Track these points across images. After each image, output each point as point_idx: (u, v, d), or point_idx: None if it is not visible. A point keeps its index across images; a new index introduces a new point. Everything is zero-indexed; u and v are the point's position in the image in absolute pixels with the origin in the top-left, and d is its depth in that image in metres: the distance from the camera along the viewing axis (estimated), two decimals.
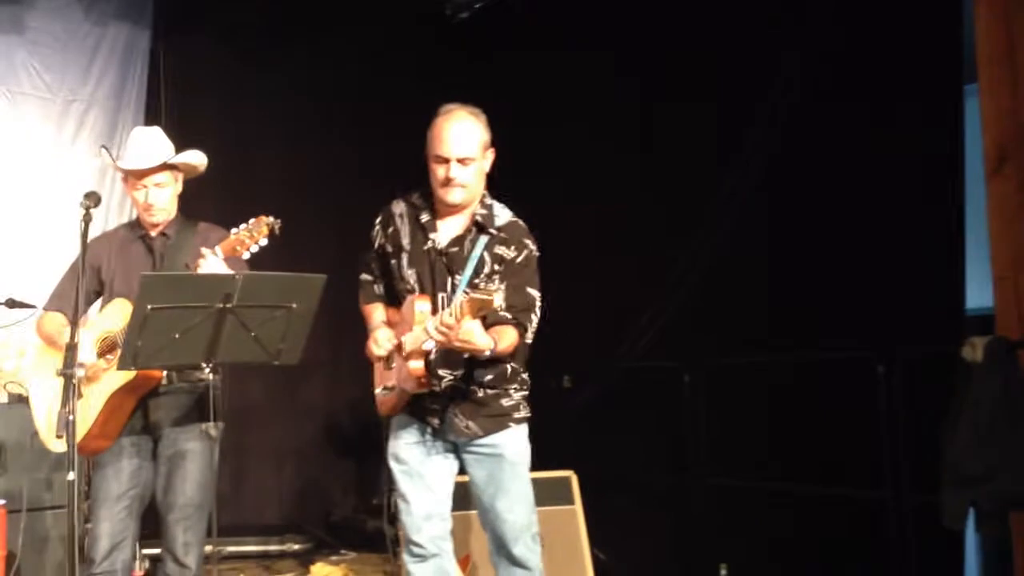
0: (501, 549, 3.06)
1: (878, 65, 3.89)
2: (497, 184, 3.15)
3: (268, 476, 5.69)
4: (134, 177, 3.44)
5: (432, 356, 2.95)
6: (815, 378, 4.09)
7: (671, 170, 4.64)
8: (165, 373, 3.28)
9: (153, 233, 3.47)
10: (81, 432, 3.19)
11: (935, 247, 3.66)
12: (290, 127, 5.78)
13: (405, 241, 3.10)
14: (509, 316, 2.91)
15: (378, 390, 3.14)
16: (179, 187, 3.50)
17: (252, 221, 3.19)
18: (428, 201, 3.09)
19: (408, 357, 2.93)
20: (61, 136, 5.53)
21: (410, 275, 3.08)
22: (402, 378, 2.99)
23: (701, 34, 4.59)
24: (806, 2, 4.15)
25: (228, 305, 2.92)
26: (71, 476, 2.70)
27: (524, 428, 3.10)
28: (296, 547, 5.11)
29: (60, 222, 5.32)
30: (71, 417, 2.76)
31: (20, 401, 4.39)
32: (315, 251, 4.62)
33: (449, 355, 2.95)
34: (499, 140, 3.08)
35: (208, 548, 3.33)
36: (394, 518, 4.64)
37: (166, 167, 3.41)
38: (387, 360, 3.09)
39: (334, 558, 4.87)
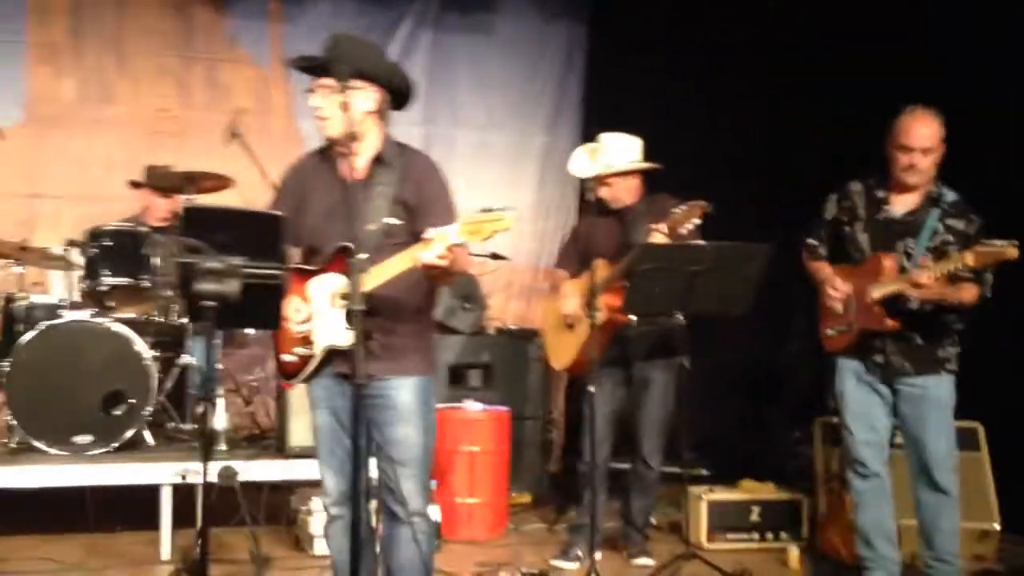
0: (923, 475, 3.70)
1: None
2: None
3: None
4: None
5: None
6: None
7: None
8: (634, 317, 4.25)
9: (618, 206, 4.39)
10: (571, 356, 4.32)
11: None
12: (705, 116, 6.19)
13: (860, 211, 3.81)
14: (971, 276, 3.53)
15: (829, 331, 3.84)
16: (631, 181, 4.32)
17: (688, 204, 3.91)
18: (884, 182, 3.77)
19: (875, 302, 3.63)
20: (516, 121, 6.76)
21: (863, 239, 3.78)
22: (863, 319, 3.69)
23: None
24: None
25: (699, 268, 3.81)
26: (592, 388, 3.78)
27: (951, 379, 3.72)
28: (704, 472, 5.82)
29: (521, 195, 6.56)
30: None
31: (502, 334, 5.68)
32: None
33: (897, 304, 3.62)
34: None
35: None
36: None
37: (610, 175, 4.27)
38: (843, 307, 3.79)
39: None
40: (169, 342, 4.79)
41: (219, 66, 6.26)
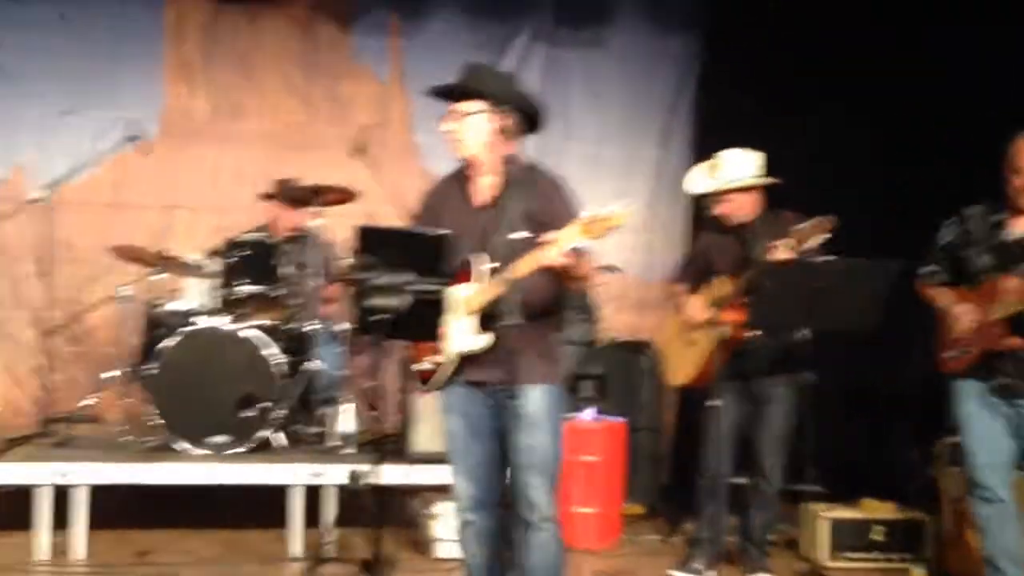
0: None
1: None
2: None
3: None
4: None
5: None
6: None
7: None
8: (756, 333, 4.25)
9: (737, 222, 4.41)
10: (692, 372, 4.35)
11: None
12: (822, 131, 5.98)
13: (978, 235, 3.78)
14: None
15: (949, 353, 3.82)
16: (750, 197, 4.33)
17: (814, 220, 3.93)
18: (1002, 205, 3.74)
19: (998, 322, 3.62)
20: (628, 134, 6.81)
21: (981, 262, 3.74)
22: (984, 340, 3.67)
23: None
24: None
25: (824, 284, 3.80)
26: (717, 402, 3.81)
27: None
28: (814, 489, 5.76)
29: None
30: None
31: (614, 345, 5.73)
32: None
33: (1020, 324, 3.59)
34: None
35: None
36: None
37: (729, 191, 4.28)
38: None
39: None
40: (298, 348, 4.99)
41: (342, 81, 6.48)
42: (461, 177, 3.19)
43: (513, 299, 2.83)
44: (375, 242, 2.67)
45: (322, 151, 6.24)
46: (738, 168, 4.36)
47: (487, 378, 3.05)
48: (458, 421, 3.15)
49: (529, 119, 3.13)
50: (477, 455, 3.14)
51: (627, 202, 2.88)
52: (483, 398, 3.10)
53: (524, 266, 2.87)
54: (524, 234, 2.98)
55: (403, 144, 6.49)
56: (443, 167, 6.02)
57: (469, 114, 3.07)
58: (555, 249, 2.82)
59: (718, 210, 4.38)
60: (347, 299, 2.83)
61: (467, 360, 3.05)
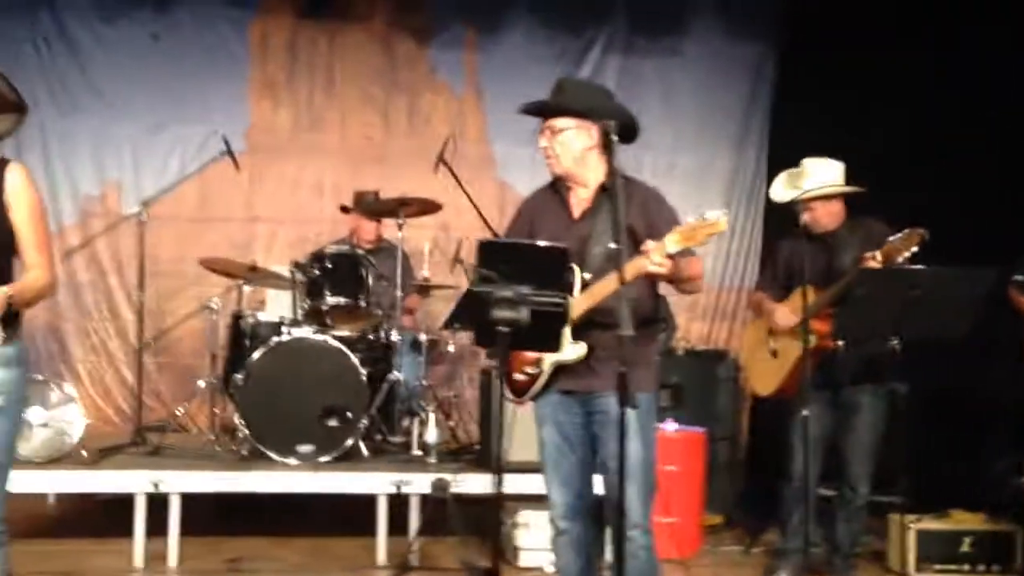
0: None
1: None
2: None
3: None
4: None
5: None
6: None
7: None
8: (842, 342, 4.21)
9: (821, 230, 4.37)
10: (777, 382, 4.33)
11: None
12: (896, 138, 5.90)
13: None
14: None
15: None
16: (836, 205, 4.30)
17: (906, 232, 3.87)
18: None
19: None
20: (702, 142, 6.81)
21: None
22: None
23: None
24: None
25: (915, 293, 3.76)
26: (805, 412, 3.78)
27: None
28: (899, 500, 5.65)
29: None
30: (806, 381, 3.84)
31: (689, 354, 5.70)
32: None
33: None
34: None
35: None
36: None
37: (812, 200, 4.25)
38: None
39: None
40: (379, 358, 5.07)
41: (419, 95, 6.61)
42: (559, 189, 3.23)
43: (624, 309, 2.84)
44: (495, 256, 2.74)
45: (399, 163, 6.38)
46: (822, 176, 4.33)
47: (581, 387, 3.08)
48: (551, 430, 3.18)
49: (623, 130, 3.14)
50: (570, 464, 3.16)
51: (725, 210, 2.93)
52: (576, 407, 3.13)
53: (627, 273, 2.89)
54: (621, 246, 3.00)
55: (479, 156, 6.58)
56: (519, 179, 6.24)
57: (562, 131, 3.11)
58: (657, 255, 2.86)
59: (804, 218, 4.34)
60: (467, 311, 2.86)
61: (561, 369, 3.08)
